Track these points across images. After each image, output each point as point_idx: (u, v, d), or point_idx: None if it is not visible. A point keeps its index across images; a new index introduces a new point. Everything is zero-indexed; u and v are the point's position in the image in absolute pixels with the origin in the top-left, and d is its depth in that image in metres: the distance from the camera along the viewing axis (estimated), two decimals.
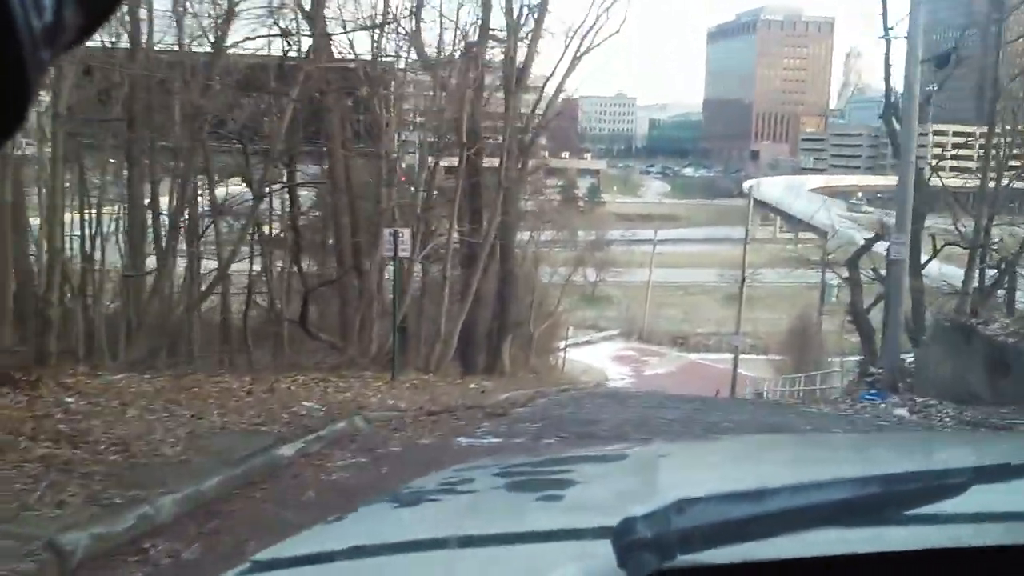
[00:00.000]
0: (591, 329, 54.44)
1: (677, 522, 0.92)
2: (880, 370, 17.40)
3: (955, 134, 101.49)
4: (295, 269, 19.84)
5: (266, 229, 20.36)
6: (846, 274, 25.40)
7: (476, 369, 21.61)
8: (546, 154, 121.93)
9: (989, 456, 1.62)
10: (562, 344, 39.12)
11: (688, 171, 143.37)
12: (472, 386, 15.41)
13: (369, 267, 18.22)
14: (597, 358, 46.50)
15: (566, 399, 15.04)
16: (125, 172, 17.23)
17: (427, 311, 21.40)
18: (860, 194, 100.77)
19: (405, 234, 14.03)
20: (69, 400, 7.93)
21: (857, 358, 44.53)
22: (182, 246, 16.98)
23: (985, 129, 25.23)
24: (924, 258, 23.86)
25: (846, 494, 0.97)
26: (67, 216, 14.95)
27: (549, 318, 33.08)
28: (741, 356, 35.56)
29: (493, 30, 22.52)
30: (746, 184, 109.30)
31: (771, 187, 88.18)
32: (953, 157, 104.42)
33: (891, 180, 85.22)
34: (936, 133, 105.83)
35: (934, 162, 28.83)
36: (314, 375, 13.05)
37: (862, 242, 41.74)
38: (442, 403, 11.39)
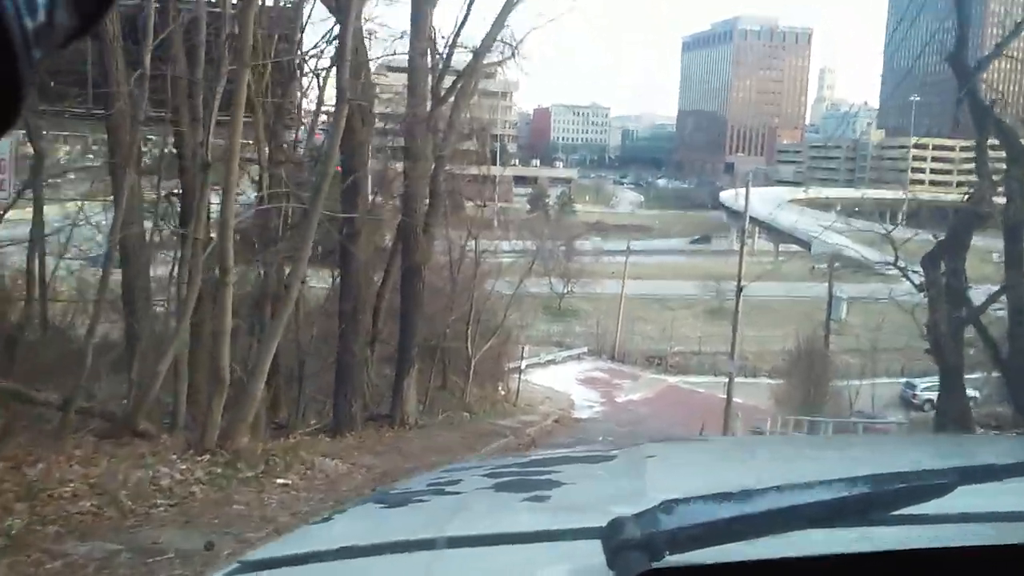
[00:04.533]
0: (556, 347, 48.69)
1: (665, 522, 0.94)
2: None
3: (935, 147, 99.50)
4: None
5: None
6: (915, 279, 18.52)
7: (351, 421, 15.38)
8: (516, 162, 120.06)
9: (974, 458, 1.65)
10: (515, 366, 33.13)
11: (662, 182, 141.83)
12: (278, 482, 8.89)
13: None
14: (562, 381, 40.82)
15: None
16: None
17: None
18: (839, 207, 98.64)
19: None
20: None
21: (887, 380, 40.05)
22: None
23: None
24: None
25: (832, 495, 0.99)
26: None
27: (492, 337, 26.93)
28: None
29: None
30: (723, 195, 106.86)
31: (750, 199, 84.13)
32: (932, 171, 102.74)
33: (871, 193, 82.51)
34: (917, 146, 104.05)
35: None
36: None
37: (854, 254, 37.29)
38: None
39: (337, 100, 11.69)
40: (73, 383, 9.66)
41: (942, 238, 17.69)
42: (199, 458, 8.45)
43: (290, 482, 8.59)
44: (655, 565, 0.90)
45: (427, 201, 17.98)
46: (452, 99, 18.80)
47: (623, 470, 1.79)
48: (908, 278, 18.34)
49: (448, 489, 1.76)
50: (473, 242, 25.46)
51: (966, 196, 18.73)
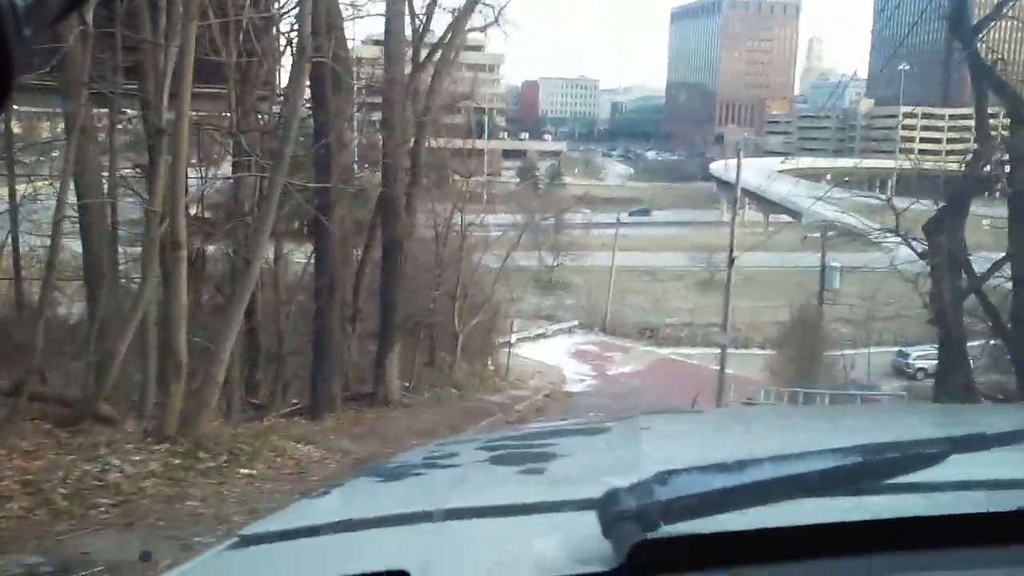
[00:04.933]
0: (546, 320, 48.01)
1: (660, 493, 0.95)
2: None
3: (924, 116, 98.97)
4: None
5: None
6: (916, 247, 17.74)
7: (330, 401, 14.36)
8: (505, 135, 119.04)
9: (966, 427, 1.54)
10: (505, 341, 32.42)
11: (651, 154, 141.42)
12: (242, 473, 8.09)
13: None
14: (553, 354, 40.20)
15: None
16: None
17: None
18: (829, 177, 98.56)
19: None
20: None
21: (881, 349, 39.44)
22: None
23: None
24: None
25: (826, 464, 1.00)
26: None
27: (480, 312, 26.13)
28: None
29: None
30: (713, 166, 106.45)
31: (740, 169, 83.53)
32: (922, 140, 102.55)
33: (863, 163, 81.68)
34: (906, 115, 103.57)
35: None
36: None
37: (847, 223, 36.63)
38: None
39: (296, 55, 10.92)
40: (27, 367, 8.97)
41: (944, 205, 17.05)
42: (157, 447, 7.79)
43: (255, 472, 7.95)
44: (650, 535, 0.90)
45: (409, 172, 17.19)
46: (432, 67, 18.00)
47: (618, 442, 1.79)
48: (911, 246, 17.69)
49: (444, 462, 1.76)
50: (459, 215, 24.68)
51: (964, 162, 18.15)
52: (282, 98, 16.17)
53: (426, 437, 12.29)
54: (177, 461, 7.54)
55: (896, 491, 1.04)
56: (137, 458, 7.29)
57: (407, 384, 18.89)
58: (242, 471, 7.91)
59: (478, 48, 51.09)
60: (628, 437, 1.77)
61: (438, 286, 23.31)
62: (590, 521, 0.95)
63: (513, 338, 35.69)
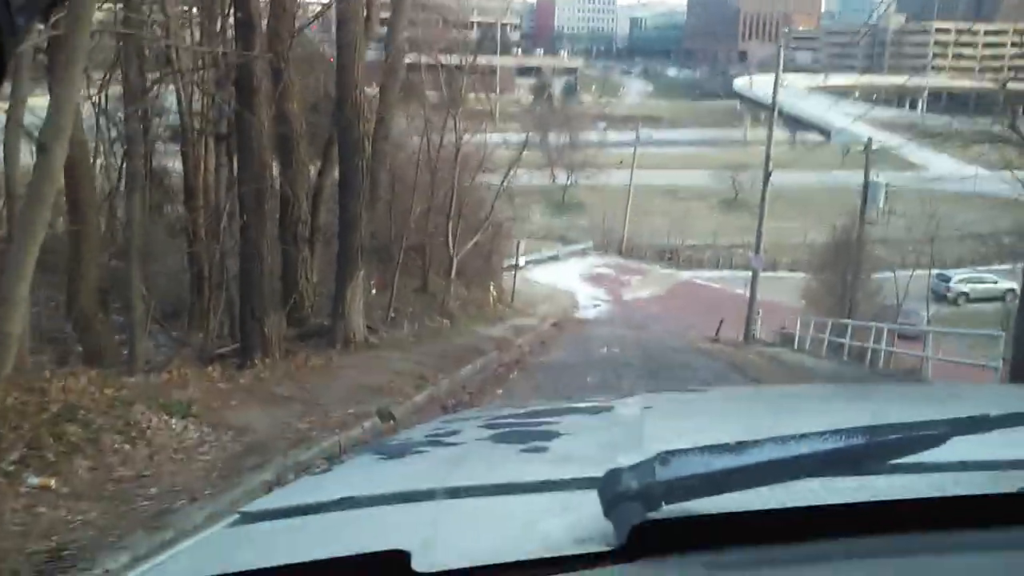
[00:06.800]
0: (559, 242, 45.48)
1: (662, 473, 0.94)
2: None
3: (958, 31, 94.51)
4: None
5: None
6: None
7: (264, 343, 11.36)
8: (519, 52, 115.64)
9: (969, 407, 1.39)
10: (511, 264, 29.89)
11: (671, 72, 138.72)
12: (33, 484, 5.32)
13: None
14: (565, 278, 37.86)
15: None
16: None
17: None
18: (856, 94, 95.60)
19: None
20: None
21: (923, 272, 36.73)
22: None
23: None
24: None
25: (828, 445, 0.99)
26: None
27: (478, 233, 23.37)
28: (748, 274, 27.13)
29: None
30: (737, 82, 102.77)
31: (764, 86, 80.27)
32: (955, 56, 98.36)
33: (889, 79, 78.37)
34: (939, 31, 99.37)
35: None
36: None
37: (878, 141, 33.86)
38: None
39: None
40: None
41: None
42: None
43: (52, 485, 5.41)
44: (651, 515, 0.91)
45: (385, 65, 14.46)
46: None
47: (621, 421, 1.79)
48: None
49: (446, 440, 1.76)
50: (454, 122, 21.91)
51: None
52: None
53: (375, 396, 9.82)
54: None
55: (898, 472, 1.05)
56: None
57: (391, 315, 16.43)
58: (33, 481, 5.36)
59: None
60: (630, 416, 1.77)
61: (430, 204, 20.75)
62: (592, 500, 0.96)
63: (522, 261, 33.32)
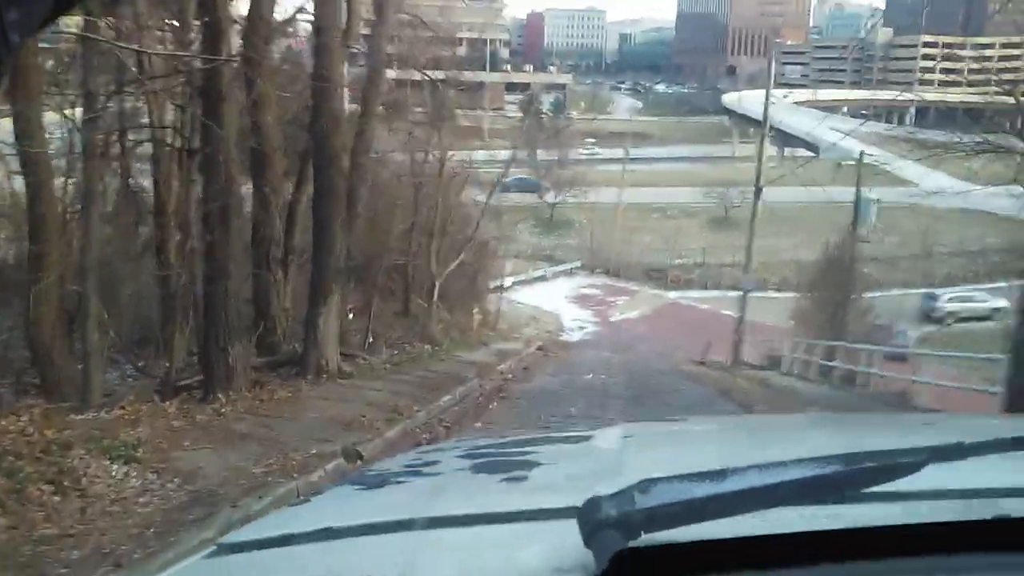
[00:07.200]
0: (546, 261, 44.95)
1: (641, 501, 0.95)
2: None
3: (945, 46, 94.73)
4: None
5: None
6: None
7: (228, 375, 10.44)
8: (508, 68, 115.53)
9: (944, 436, 1.53)
10: (497, 285, 29.35)
11: (660, 87, 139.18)
12: None
13: None
14: (551, 299, 37.32)
15: None
16: None
17: None
18: (845, 109, 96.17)
19: None
20: None
21: (909, 291, 36.30)
22: None
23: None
24: None
25: (807, 473, 1.00)
26: None
27: (461, 253, 22.77)
28: (737, 294, 26.67)
29: None
30: (725, 98, 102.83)
31: (754, 102, 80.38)
32: (942, 70, 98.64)
33: (878, 95, 78.36)
34: (926, 45, 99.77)
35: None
36: None
37: (869, 156, 33.62)
38: None
39: None
40: None
41: None
42: None
43: None
44: (631, 543, 0.91)
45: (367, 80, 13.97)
46: None
47: (600, 450, 1.77)
48: None
49: (426, 470, 1.75)
50: (438, 138, 21.40)
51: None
52: None
53: (344, 432, 9.24)
54: None
55: (874, 500, 1.06)
56: None
57: (368, 340, 15.85)
58: None
59: None
60: (610, 445, 1.76)
61: (413, 224, 20.19)
62: (572, 529, 0.95)
63: (508, 281, 32.78)
